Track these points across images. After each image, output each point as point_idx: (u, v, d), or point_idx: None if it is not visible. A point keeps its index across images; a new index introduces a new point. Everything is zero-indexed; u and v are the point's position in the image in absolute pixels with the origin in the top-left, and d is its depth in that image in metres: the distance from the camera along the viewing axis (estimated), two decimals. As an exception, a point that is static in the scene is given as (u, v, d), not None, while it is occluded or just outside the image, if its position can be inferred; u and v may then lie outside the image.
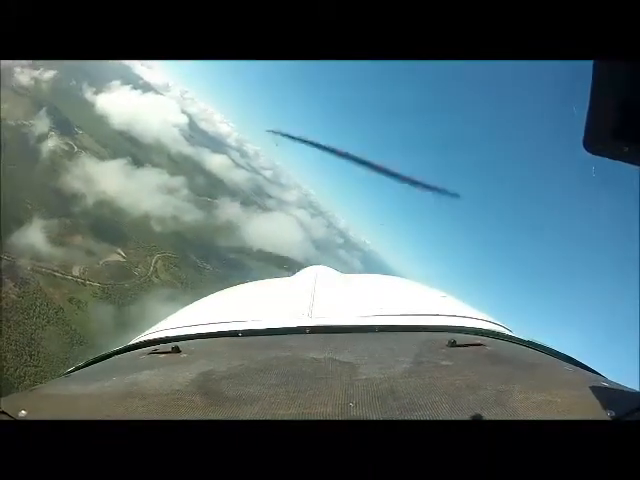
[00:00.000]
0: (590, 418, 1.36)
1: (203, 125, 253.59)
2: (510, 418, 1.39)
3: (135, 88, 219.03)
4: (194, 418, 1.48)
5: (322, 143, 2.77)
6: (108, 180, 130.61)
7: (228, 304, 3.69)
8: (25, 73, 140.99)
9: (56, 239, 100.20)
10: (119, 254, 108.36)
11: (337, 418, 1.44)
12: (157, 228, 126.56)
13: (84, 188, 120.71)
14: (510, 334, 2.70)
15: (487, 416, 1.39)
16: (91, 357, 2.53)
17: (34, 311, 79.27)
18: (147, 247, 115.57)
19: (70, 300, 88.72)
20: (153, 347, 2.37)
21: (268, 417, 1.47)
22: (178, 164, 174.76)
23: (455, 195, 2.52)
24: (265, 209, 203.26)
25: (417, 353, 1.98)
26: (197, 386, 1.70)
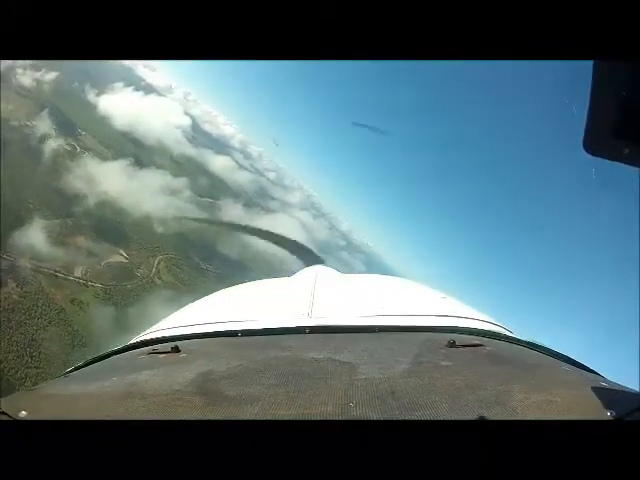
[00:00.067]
0: (590, 418, 1.36)
1: (206, 127, 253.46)
2: (510, 418, 1.39)
3: (138, 89, 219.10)
4: (194, 418, 1.48)
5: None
6: (111, 181, 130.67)
7: (228, 304, 3.69)
8: (27, 74, 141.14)
9: (58, 239, 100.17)
10: (121, 255, 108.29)
11: (337, 418, 1.44)
12: (159, 229, 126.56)
13: (87, 189, 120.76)
14: (510, 334, 2.70)
15: (487, 416, 1.39)
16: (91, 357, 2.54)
17: (36, 312, 79.21)
18: (150, 248, 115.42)
19: (72, 301, 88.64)
20: (152, 347, 2.37)
21: (268, 417, 1.47)
22: (181, 165, 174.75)
23: (382, 131, 2.51)
24: (268, 211, 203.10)
25: (417, 353, 1.98)
26: (197, 386, 1.70)
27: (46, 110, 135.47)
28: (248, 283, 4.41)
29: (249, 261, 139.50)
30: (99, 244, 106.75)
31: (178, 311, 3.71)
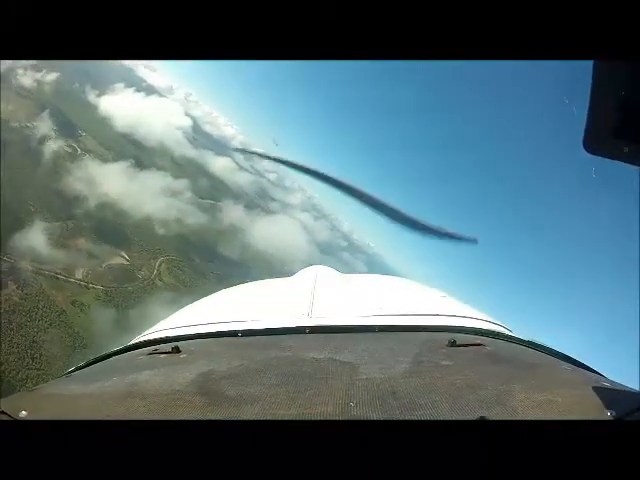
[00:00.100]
0: (590, 418, 1.36)
1: (207, 128, 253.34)
2: (510, 418, 1.39)
3: (139, 90, 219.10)
4: (194, 418, 1.48)
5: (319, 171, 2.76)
6: (111, 182, 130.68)
7: (228, 304, 3.69)
8: (28, 75, 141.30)
9: (59, 241, 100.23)
10: (122, 257, 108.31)
11: (337, 418, 1.44)
12: (160, 231, 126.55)
13: (87, 190, 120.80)
14: (510, 334, 2.70)
15: (487, 416, 1.39)
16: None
17: (37, 314, 79.27)
18: (151, 250, 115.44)
19: (73, 303, 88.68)
20: (153, 347, 2.37)
21: (268, 417, 1.47)
22: (182, 167, 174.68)
23: (473, 241, 2.50)
24: (269, 212, 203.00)
25: (417, 353, 1.98)
26: (197, 386, 1.70)
27: (47, 111, 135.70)
28: (248, 283, 4.41)
29: (249, 261, 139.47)
30: (100, 246, 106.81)
31: (178, 311, 3.71)
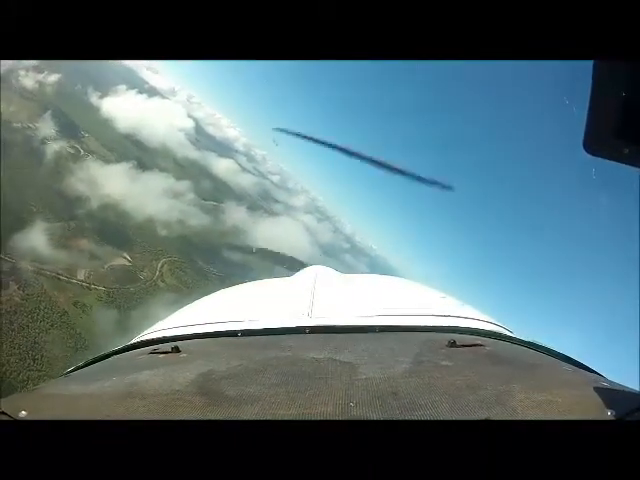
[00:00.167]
0: (590, 418, 1.36)
1: (210, 129, 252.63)
2: (510, 418, 1.38)
3: (141, 92, 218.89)
4: (194, 418, 1.48)
5: (323, 139, 2.77)
6: (113, 184, 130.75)
7: (228, 304, 3.70)
8: (30, 76, 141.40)
9: (61, 242, 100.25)
10: (124, 258, 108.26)
11: (337, 418, 1.44)
12: (163, 232, 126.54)
13: (89, 191, 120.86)
14: (510, 334, 2.70)
15: (488, 416, 1.39)
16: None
17: (38, 314, 79.26)
18: (153, 251, 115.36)
19: (75, 304, 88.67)
20: (153, 347, 2.38)
21: (268, 417, 1.47)
22: (184, 168, 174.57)
23: (448, 187, 2.52)
24: (272, 214, 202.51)
25: (417, 353, 1.98)
26: (197, 386, 1.70)
27: (49, 112, 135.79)
28: (248, 283, 4.41)
29: (250, 261, 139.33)
30: (102, 247, 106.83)
31: (178, 311, 3.72)
